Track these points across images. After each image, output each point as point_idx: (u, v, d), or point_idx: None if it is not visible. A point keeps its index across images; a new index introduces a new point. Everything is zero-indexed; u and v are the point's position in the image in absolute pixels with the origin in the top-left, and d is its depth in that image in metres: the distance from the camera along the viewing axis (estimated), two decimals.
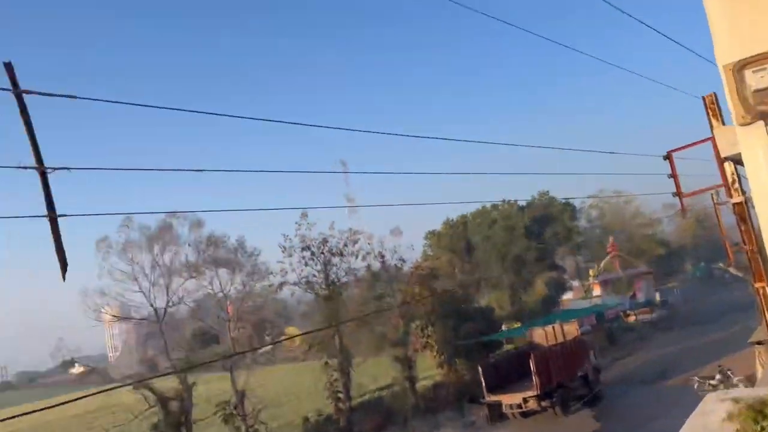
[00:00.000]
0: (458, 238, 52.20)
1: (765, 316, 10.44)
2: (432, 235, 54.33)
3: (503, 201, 48.64)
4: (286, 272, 33.94)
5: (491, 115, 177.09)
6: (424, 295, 34.83)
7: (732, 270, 10.96)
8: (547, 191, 54.43)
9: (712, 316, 42.90)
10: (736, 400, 2.61)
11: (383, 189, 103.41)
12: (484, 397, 27.12)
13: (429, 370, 36.40)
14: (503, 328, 43.87)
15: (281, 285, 34.45)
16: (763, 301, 10.40)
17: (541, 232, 52.72)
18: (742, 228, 10.42)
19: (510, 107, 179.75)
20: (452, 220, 53.32)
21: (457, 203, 71.37)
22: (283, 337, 36.93)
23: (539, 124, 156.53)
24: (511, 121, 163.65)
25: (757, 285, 9.67)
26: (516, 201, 51.42)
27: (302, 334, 34.63)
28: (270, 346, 38.83)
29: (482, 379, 26.95)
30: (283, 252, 33.82)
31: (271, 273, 34.12)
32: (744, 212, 9.92)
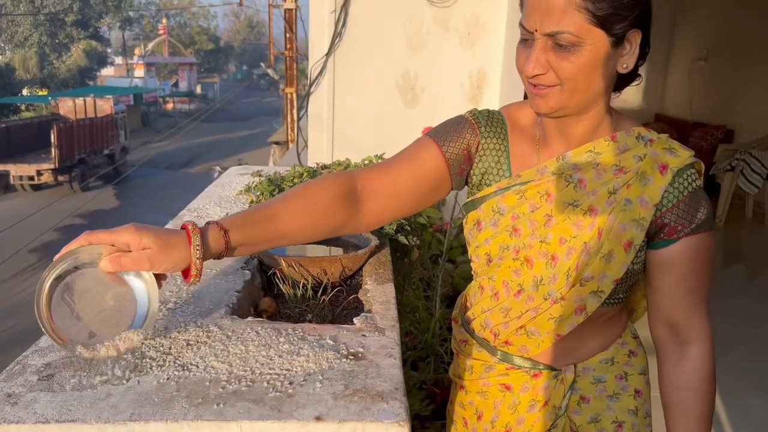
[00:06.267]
0: None
1: (287, 119, 11.48)
2: None
3: None
4: None
5: None
6: None
7: (270, 72, 11.54)
8: None
9: (244, 115, 46.56)
10: (258, 174, 2.47)
11: None
12: None
13: None
14: (24, 92, 38.41)
15: None
16: (288, 105, 11.38)
17: None
18: (288, 35, 10.88)
19: None
20: None
21: None
22: None
23: None
24: None
25: (287, 90, 10.42)
26: None
27: None
28: None
29: None
30: None
31: None
32: (293, 19, 10.26)
